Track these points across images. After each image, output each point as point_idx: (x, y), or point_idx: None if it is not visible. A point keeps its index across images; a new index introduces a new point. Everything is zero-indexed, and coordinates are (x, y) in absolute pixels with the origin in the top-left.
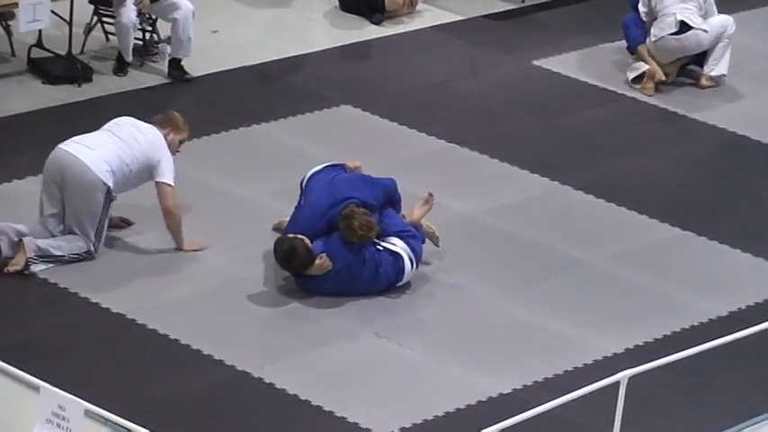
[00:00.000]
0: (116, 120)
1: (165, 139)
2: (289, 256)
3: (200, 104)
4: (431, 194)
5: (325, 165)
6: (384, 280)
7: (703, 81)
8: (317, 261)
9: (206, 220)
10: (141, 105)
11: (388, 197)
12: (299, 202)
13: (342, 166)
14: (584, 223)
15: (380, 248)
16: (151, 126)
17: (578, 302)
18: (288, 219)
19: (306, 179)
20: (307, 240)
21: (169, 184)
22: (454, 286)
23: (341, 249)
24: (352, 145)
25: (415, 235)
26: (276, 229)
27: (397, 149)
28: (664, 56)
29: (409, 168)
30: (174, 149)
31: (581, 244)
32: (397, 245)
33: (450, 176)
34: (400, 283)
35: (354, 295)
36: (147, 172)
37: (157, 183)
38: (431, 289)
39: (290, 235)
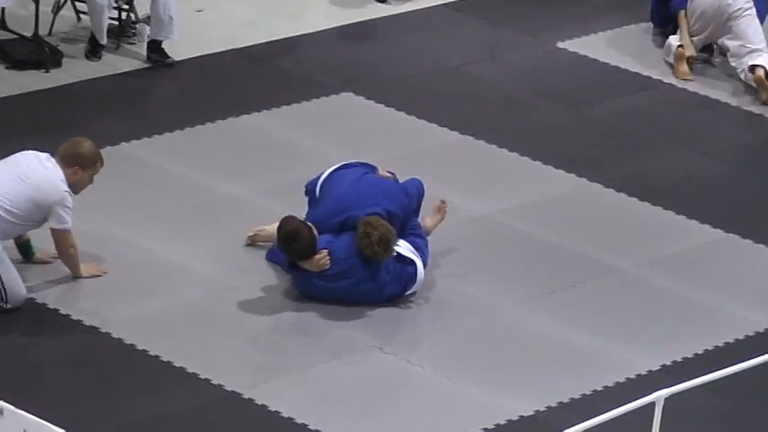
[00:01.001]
0: (12, 157)
1: (70, 178)
2: (290, 238)
3: (183, 92)
4: (443, 202)
5: (354, 162)
6: (389, 291)
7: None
8: (317, 256)
9: (190, 222)
10: (117, 93)
11: (415, 207)
12: (312, 202)
13: (373, 168)
14: (615, 225)
15: (397, 253)
16: (51, 163)
17: (608, 314)
18: (265, 227)
19: (326, 174)
20: (315, 230)
21: (65, 230)
22: (468, 295)
23: (345, 252)
24: (353, 137)
25: (419, 234)
26: (252, 243)
27: (405, 142)
28: (698, 23)
29: (418, 164)
30: (82, 187)
31: (611, 248)
32: (403, 246)
33: (465, 173)
34: (409, 292)
35: (355, 304)
36: (41, 216)
37: (52, 229)
38: (442, 298)
39: (296, 219)
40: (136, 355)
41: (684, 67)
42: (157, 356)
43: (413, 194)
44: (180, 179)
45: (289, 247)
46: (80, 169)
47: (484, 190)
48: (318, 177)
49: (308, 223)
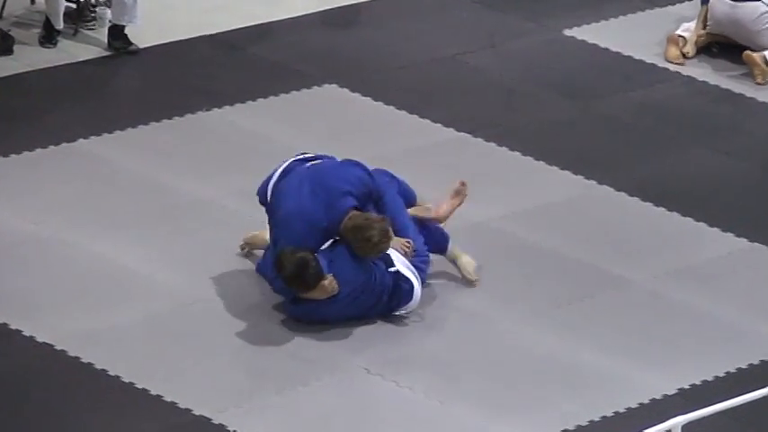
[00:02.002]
0: None
1: None
2: (300, 272)
3: (148, 83)
4: (463, 183)
5: (291, 161)
6: (385, 306)
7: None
8: (324, 282)
9: (154, 228)
10: (74, 84)
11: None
12: (272, 215)
13: (307, 158)
14: (628, 233)
15: (391, 270)
16: None
17: (620, 331)
18: (258, 232)
19: (272, 185)
20: (315, 256)
21: None
22: (464, 310)
23: (351, 270)
24: (337, 134)
25: (426, 259)
26: (249, 247)
27: (394, 140)
28: (712, 23)
29: (409, 164)
30: None
31: (623, 259)
32: (400, 262)
33: (460, 174)
34: (403, 312)
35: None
36: None
37: None
38: (435, 313)
39: (291, 248)
40: (94, 376)
41: (674, 51)
42: (118, 377)
43: (361, 168)
44: (143, 179)
45: (298, 281)
46: None
47: (482, 193)
48: (267, 182)
49: (306, 250)
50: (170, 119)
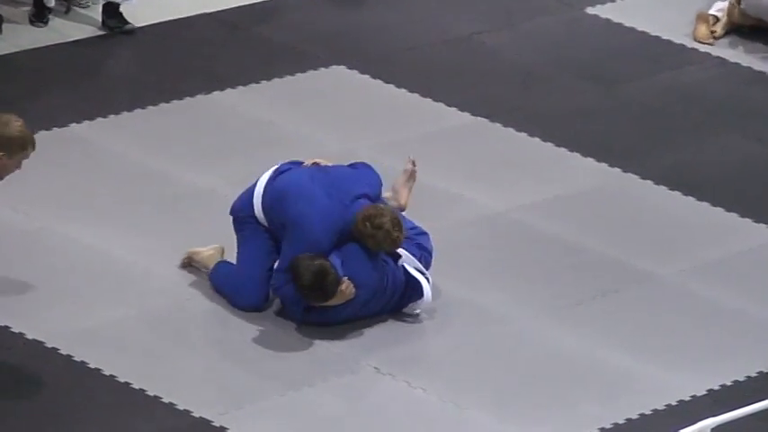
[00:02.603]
0: None
1: None
2: (319, 281)
3: (145, 64)
4: (414, 163)
5: (281, 167)
6: (397, 304)
7: None
8: (342, 287)
9: (151, 218)
10: (66, 65)
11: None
12: (247, 232)
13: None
14: (654, 224)
15: (401, 265)
16: None
17: (645, 329)
18: (200, 249)
19: (261, 196)
20: (331, 262)
21: None
22: (479, 307)
23: (365, 269)
24: (345, 119)
25: (423, 232)
26: (188, 264)
27: (406, 125)
28: (747, 4)
29: (421, 150)
30: (5, 175)
31: (649, 252)
32: (407, 260)
33: (477, 161)
34: (415, 311)
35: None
36: None
37: None
38: (448, 310)
39: (307, 255)
40: (87, 375)
41: (704, 30)
42: (113, 376)
43: (373, 170)
44: (139, 167)
45: (319, 291)
46: (5, 156)
47: (499, 182)
48: (250, 196)
49: (321, 256)
50: (168, 102)
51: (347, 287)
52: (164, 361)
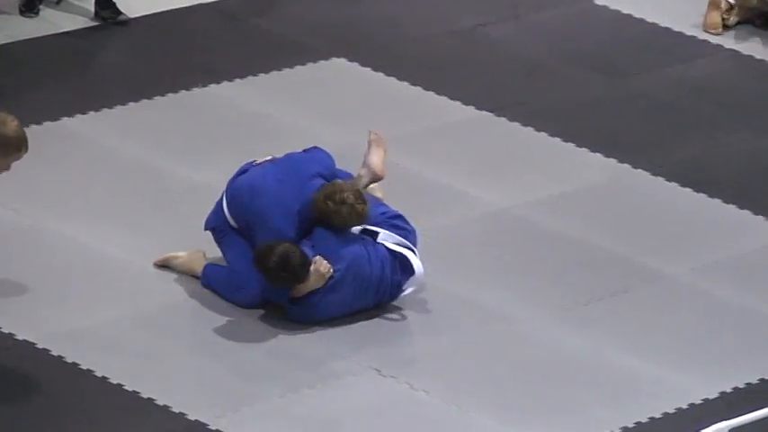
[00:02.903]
0: None
1: None
2: (284, 263)
3: (139, 56)
4: (376, 133)
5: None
6: (390, 282)
7: None
8: (314, 265)
9: (145, 215)
10: (58, 57)
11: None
12: (228, 238)
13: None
14: (665, 221)
15: (380, 242)
16: None
17: (655, 330)
18: (179, 254)
19: (228, 201)
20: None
21: None
22: (483, 307)
23: (337, 244)
24: (345, 112)
25: (397, 214)
26: (163, 265)
27: (408, 119)
28: None
29: (423, 145)
30: None
31: (659, 250)
32: (386, 237)
33: (482, 156)
34: (410, 290)
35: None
36: None
37: None
38: (451, 309)
39: (268, 243)
40: (79, 377)
41: (715, 17)
42: (105, 378)
43: (324, 151)
44: (133, 162)
45: (287, 272)
46: None
47: (504, 178)
48: (220, 209)
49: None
50: (163, 96)
51: (320, 264)
52: (158, 362)
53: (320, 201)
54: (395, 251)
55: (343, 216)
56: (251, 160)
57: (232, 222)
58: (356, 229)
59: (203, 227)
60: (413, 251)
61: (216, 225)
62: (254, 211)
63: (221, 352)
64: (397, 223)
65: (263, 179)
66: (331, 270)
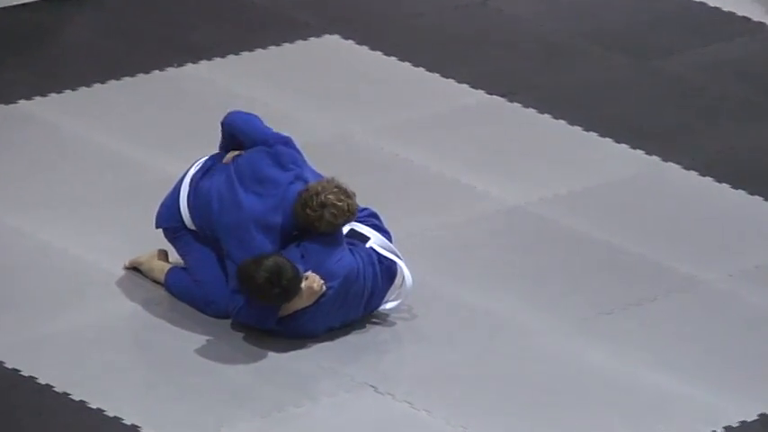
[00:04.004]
0: None
1: None
2: (276, 278)
3: (106, 32)
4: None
5: (191, 179)
6: (380, 293)
7: None
8: (305, 282)
9: (113, 211)
10: (13, 33)
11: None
12: (183, 242)
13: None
14: (699, 221)
15: (369, 246)
16: None
17: (687, 343)
18: (140, 257)
19: (185, 204)
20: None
21: None
22: (493, 315)
23: (329, 257)
24: (340, 96)
25: (374, 213)
26: (133, 268)
27: (409, 104)
28: None
29: (427, 134)
30: None
31: (692, 253)
32: (375, 240)
33: (492, 147)
34: (397, 301)
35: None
36: None
37: None
38: (457, 319)
39: (253, 257)
40: (37, 392)
41: None
42: (66, 394)
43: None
44: (100, 151)
45: (278, 290)
46: None
47: (517, 171)
48: (175, 209)
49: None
50: (132, 76)
51: (313, 281)
52: (126, 377)
53: (300, 211)
54: (383, 257)
55: (328, 220)
56: (214, 153)
57: (190, 225)
58: (345, 229)
59: (154, 224)
60: (399, 258)
61: (169, 226)
62: (227, 229)
63: (198, 367)
64: (376, 223)
65: (234, 191)
66: (324, 288)
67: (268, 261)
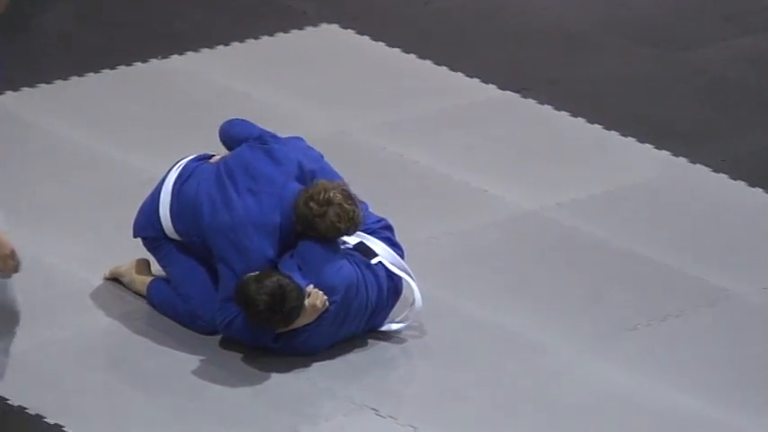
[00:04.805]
0: None
1: None
2: (279, 301)
3: (85, 21)
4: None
5: (173, 183)
6: (385, 309)
7: None
8: (309, 300)
9: (93, 215)
10: None
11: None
12: (164, 252)
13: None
14: (730, 228)
15: (375, 263)
16: None
17: (717, 362)
18: (122, 269)
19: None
20: (288, 275)
21: None
22: (504, 330)
23: (329, 267)
24: (338, 90)
25: (390, 225)
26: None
27: (416, 101)
28: None
29: (435, 131)
30: None
31: (724, 264)
32: (385, 254)
33: (505, 147)
34: (405, 324)
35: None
36: None
37: None
38: (465, 335)
39: (253, 275)
40: (8, 414)
41: None
42: (40, 417)
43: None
44: (77, 150)
45: (281, 314)
46: None
47: (532, 173)
48: (154, 216)
49: (269, 271)
50: (113, 69)
51: (316, 297)
52: (105, 399)
53: (301, 204)
54: (393, 273)
55: (330, 219)
56: (193, 155)
57: (172, 234)
58: (351, 243)
59: (132, 233)
60: (411, 276)
61: (147, 235)
62: (219, 231)
63: (183, 387)
64: (389, 236)
65: (225, 191)
66: (327, 303)
67: (271, 281)
